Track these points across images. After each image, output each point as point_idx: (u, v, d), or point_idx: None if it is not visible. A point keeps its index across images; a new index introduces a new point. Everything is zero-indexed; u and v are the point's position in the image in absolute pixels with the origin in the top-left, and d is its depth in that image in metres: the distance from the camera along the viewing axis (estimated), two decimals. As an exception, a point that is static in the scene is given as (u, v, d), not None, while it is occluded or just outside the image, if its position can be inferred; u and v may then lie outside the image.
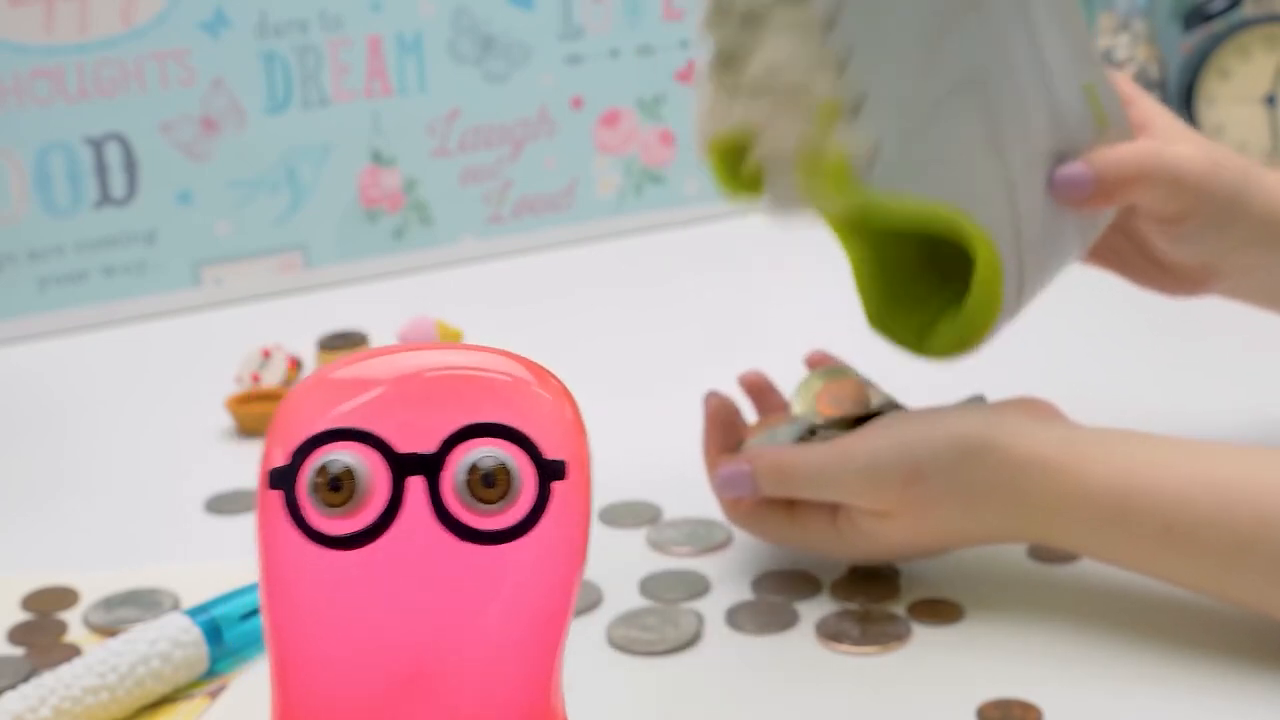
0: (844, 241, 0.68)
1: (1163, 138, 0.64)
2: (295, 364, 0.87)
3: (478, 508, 0.40)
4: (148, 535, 0.70)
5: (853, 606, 0.61)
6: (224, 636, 0.57)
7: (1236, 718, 0.53)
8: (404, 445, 0.40)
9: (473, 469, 0.40)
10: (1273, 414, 0.77)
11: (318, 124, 1.02)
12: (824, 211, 0.65)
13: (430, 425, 0.41)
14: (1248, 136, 1.14)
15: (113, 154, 0.97)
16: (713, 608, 0.62)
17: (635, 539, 0.67)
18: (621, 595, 0.63)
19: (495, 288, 1.03)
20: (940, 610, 0.60)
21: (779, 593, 0.62)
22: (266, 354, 0.86)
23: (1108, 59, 1.17)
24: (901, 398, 0.66)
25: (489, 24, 1.06)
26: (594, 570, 0.65)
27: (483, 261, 1.08)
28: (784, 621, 0.60)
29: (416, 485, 0.40)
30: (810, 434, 0.65)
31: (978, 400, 0.65)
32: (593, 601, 0.62)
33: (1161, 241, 0.66)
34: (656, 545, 0.67)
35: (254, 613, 0.58)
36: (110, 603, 0.62)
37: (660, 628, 0.60)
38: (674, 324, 0.94)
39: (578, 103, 1.09)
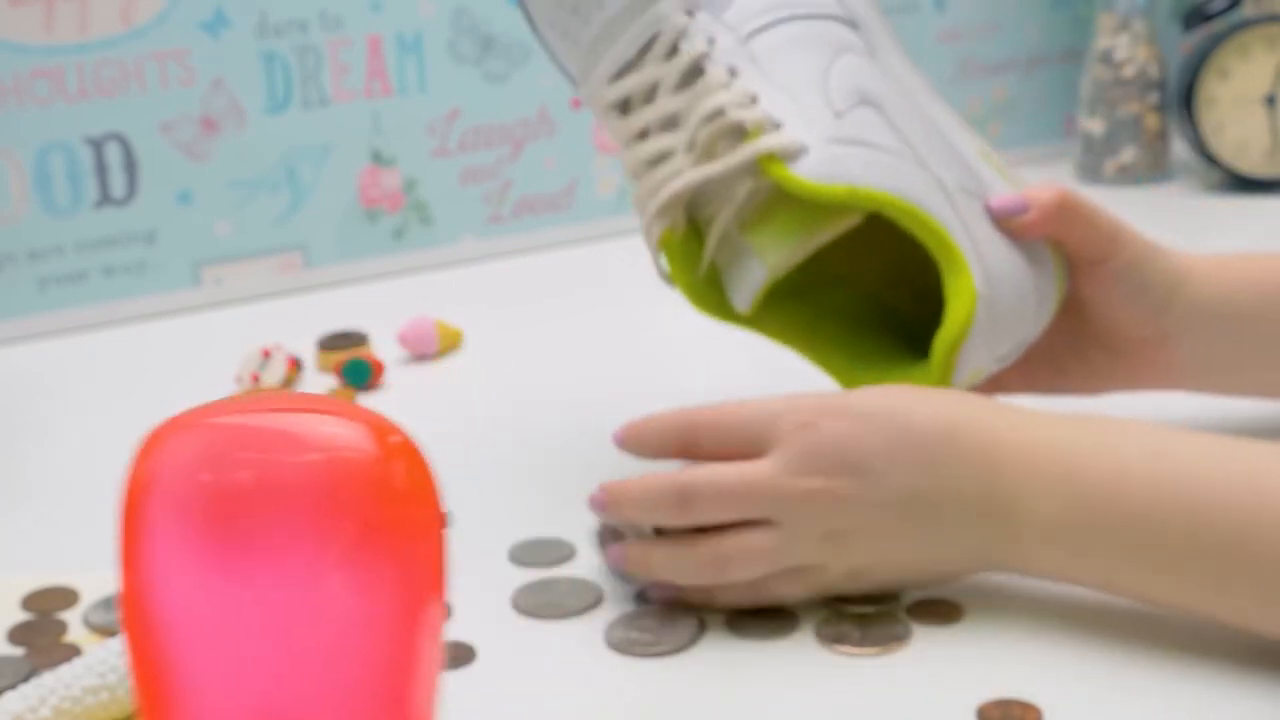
0: (793, 343, 0.72)
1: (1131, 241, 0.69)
2: (295, 364, 0.87)
3: None
4: (148, 535, 0.70)
5: (854, 609, 0.61)
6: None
7: (1237, 717, 0.53)
8: None
9: None
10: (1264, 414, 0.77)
11: (318, 124, 1.02)
12: (775, 265, 0.68)
13: None
14: (1248, 136, 1.14)
15: (113, 154, 0.97)
16: (714, 610, 0.62)
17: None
18: (620, 597, 0.63)
19: (495, 288, 1.03)
20: (940, 611, 0.60)
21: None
22: (266, 354, 0.86)
23: (1108, 59, 1.17)
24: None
25: (489, 24, 1.06)
26: (593, 571, 0.65)
27: (483, 261, 1.08)
28: (785, 623, 0.60)
29: None
30: None
31: None
32: (592, 602, 0.62)
33: (1100, 292, 0.68)
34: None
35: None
36: (110, 603, 0.62)
37: (658, 630, 0.60)
38: (674, 323, 0.94)
39: (578, 103, 1.09)
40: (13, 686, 0.57)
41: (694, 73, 0.66)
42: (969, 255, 0.65)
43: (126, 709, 0.54)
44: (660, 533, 0.61)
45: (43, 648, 0.59)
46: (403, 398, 0.84)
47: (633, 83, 0.67)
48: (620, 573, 0.61)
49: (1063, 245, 0.68)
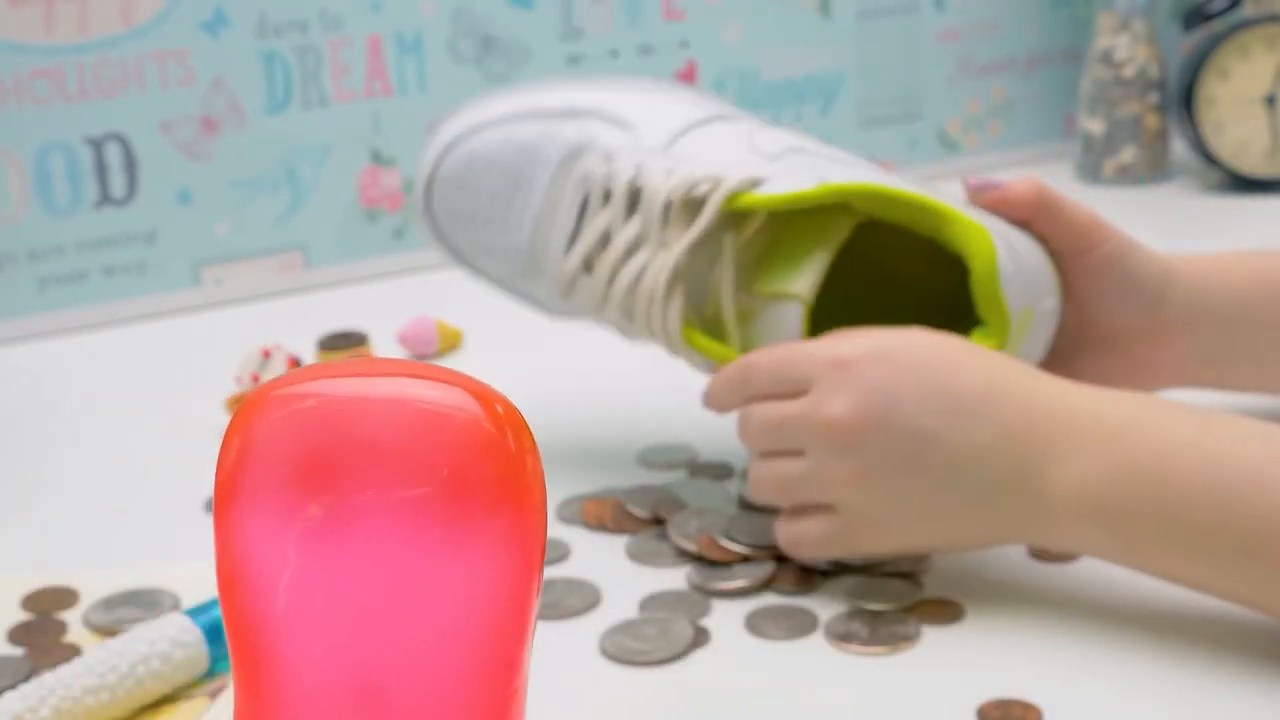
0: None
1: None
2: (295, 364, 0.87)
3: None
4: (148, 535, 0.70)
5: (862, 606, 0.61)
6: (224, 636, 0.57)
7: (1237, 717, 0.53)
8: None
9: None
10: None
11: (318, 124, 1.02)
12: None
13: None
14: (1248, 136, 1.14)
15: (113, 154, 0.97)
16: (721, 610, 0.62)
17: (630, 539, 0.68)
18: (619, 597, 0.63)
19: (495, 288, 1.03)
20: (941, 610, 0.60)
21: (789, 593, 0.62)
22: (266, 354, 0.86)
23: (1108, 59, 1.17)
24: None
25: (489, 24, 1.06)
26: (592, 572, 0.65)
27: (483, 261, 1.08)
28: (789, 624, 0.60)
29: None
30: None
31: None
32: (592, 602, 0.62)
33: (1090, 284, 0.69)
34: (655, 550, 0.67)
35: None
36: (110, 603, 0.62)
37: (655, 637, 0.60)
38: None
39: (578, 103, 1.09)
40: (13, 686, 0.57)
41: (634, 195, 0.69)
42: (967, 213, 0.66)
43: (127, 709, 0.54)
44: None
45: (43, 647, 0.59)
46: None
47: (586, 241, 0.69)
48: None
49: (1045, 240, 0.69)
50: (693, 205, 0.67)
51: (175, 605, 0.62)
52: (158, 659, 0.55)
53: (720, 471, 0.73)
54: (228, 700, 0.56)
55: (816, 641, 0.59)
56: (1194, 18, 1.15)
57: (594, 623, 0.61)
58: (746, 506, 0.69)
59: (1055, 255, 0.69)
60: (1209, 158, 1.15)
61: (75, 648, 0.59)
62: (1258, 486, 0.54)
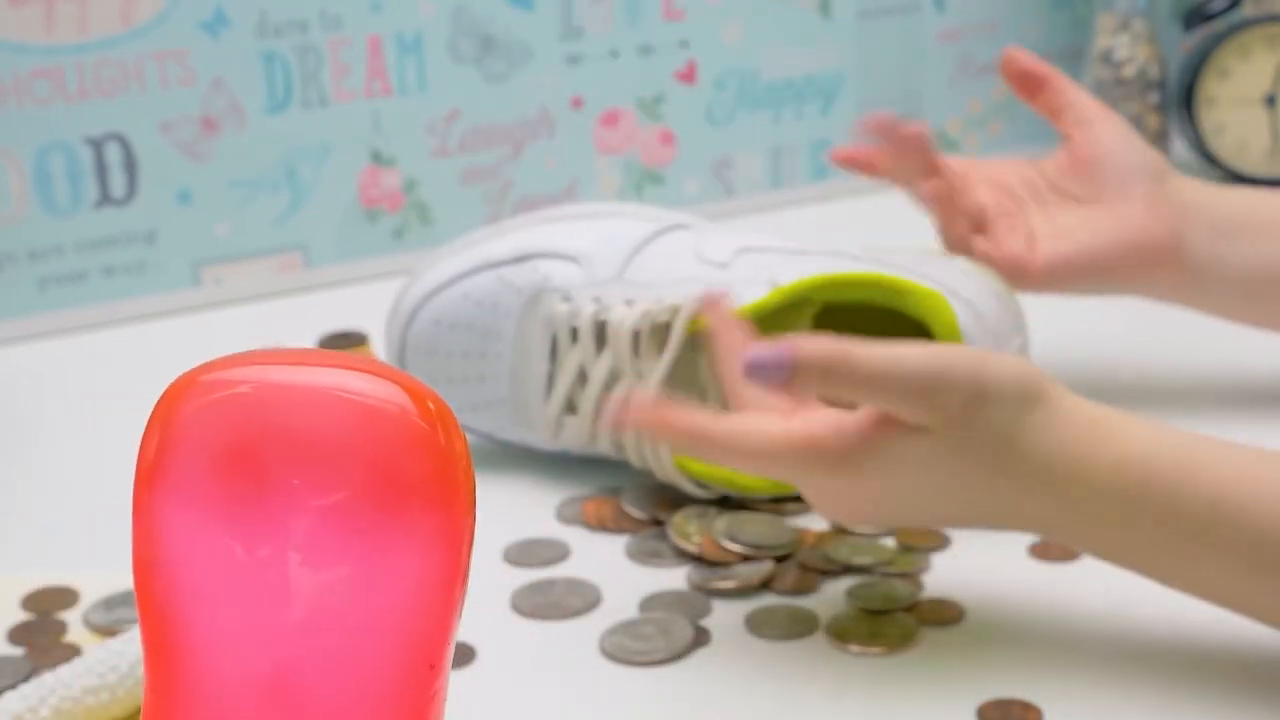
0: None
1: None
2: (295, 364, 0.87)
3: None
4: (148, 535, 0.70)
5: (862, 606, 0.61)
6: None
7: (1237, 718, 0.53)
8: None
9: None
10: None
11: (318, 124, 1.02)
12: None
13: None
14: (1248, 136, 1.14)
15: (113, 154, 0.97)
16: (721, 610, 0.62)
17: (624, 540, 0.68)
18: (619, 597, 0.63)
19: (495, 288, 1.03)
20: (941, 610, 0.60)
21: (791, 594, 0.62)
22: (266, 354, 0.86)
23: (1108, 59, 1.17)
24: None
25: (489, 24, 1.06)
26: (592, 572, 0.65)
27: (483, 261, 1.08)
28: (790, 625, 0.60)
29: None
30: None
31: None
32: (592, 602, 0.62)
33: (1099, 140, 0.76)
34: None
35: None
36: (110, 603, 0.62)
37: (662, 626, 0.60)
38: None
39: (578, 103, 1.09)
40: (13, 686, 0.57)
41: (600, 330, 0.70)
42: (912, 277, 0.68)
43: (126, 709, 0.54)
44: None
45: (43, 647, 0.59)
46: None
47: (564, 381, 0.71)
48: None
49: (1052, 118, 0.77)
50: (660, 332, 0.69)
51: (175, 605, 0.62)
52: (158, 659, 0.55)
53: (720, 471, 0.73)
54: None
55: (816, 641, 0.59)
56: (1194, 18, 1.15)
57: (594, 623, 0.61)
58: (746, 506, 0.69)
59: (1060, 129, 0.76)
60: (1209, 158, 1.15)
61: (75, 648, 0.59)
62: (1220, 480, 0.54)
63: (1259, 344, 0.85)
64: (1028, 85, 0.78)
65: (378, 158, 1.05)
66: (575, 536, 0.68)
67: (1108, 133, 0.76)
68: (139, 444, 0.41)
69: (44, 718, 0.52)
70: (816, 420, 0.57)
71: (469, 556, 0.42)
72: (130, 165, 0.98)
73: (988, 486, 0.56)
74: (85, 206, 0.97)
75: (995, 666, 0.57)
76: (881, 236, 1.09)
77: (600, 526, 0.69)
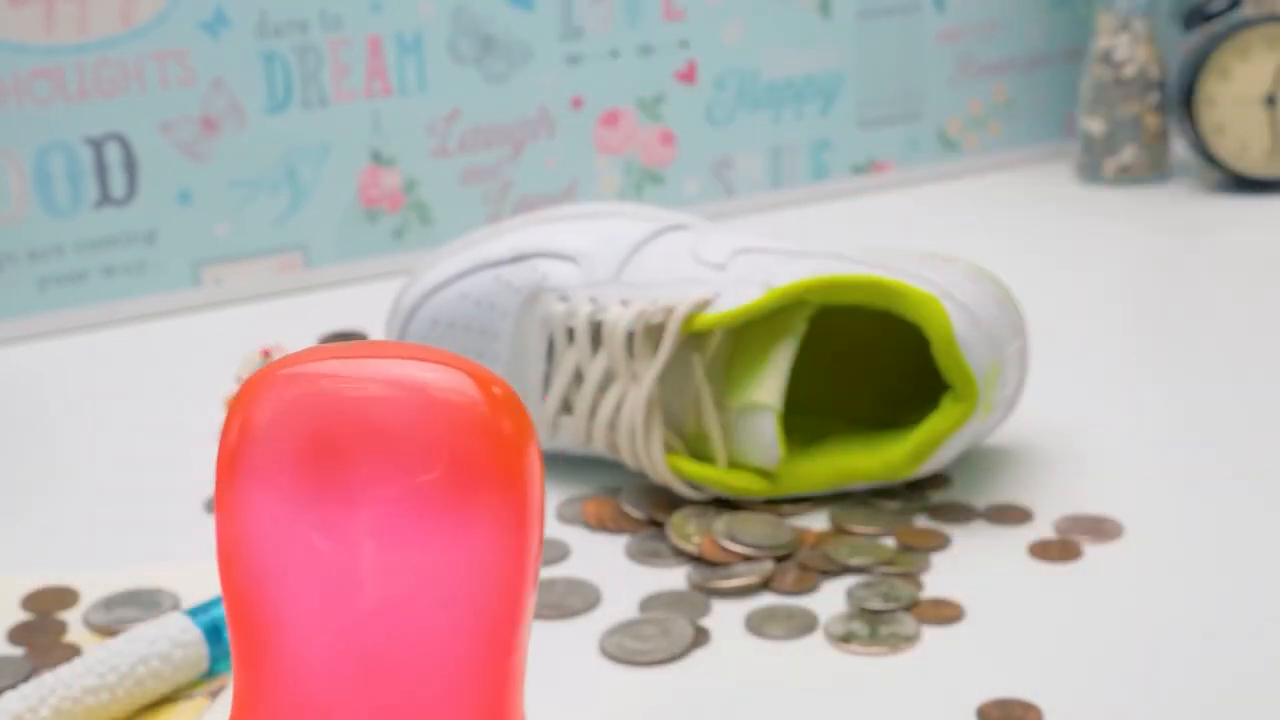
0: (833, 470, 0.71)
1: None
2: (295, 364, 0.87)
3: None
4: (148, 535, 0.70)
5: (862, 606, 0.61)
6: (224, 636, 0.57)
7: (1237, 718, 0.53)
8: None
9: None
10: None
11: (318, 124, 1.02)
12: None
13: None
14: (1248, 136, 1.14)
15: (113, 154, 0.97)
16: (721, 610, 0.62)
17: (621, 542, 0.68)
18: (619, 597, 0.63)
19: (495, 288, 1.03)
20: (941, 610, 0.60)
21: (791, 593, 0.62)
22: (266, 354, 0.86)
23: (1108, 59, 1.17)
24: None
25: (489, 24, 1.06)
26: (592, 572, 0.65)
27: (483, 261, 1.08)
28: (799, 623, 0.60)
29: None
30: None
31: None
32: (593, 602, 0.62)
33: None
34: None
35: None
36: (110, 603, 0.62)
37: (662, 626, 0.60)
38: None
39: (578, 103, 1.09)
40: (13, 686, 0.57)
41: (596, 330, 0.70)
42: (908, 280, 0.68)
43: (127, 709, 0.54)
44: None
45: (43, 647, 0.59)
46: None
47: (560, 381, 0.71)
48: None
49: None
50: (654, 333, 0.69)
51: (175, 605, 0.62)
52: (157, 659, 0.55)
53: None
54: (228, 700, 0.56)
55: (816, 641, 0.59)
56: (1194, 18, 1.15)
57: (594, 623, 0.61)
58: (744, 507, 0.69)
59: None
60: (1209, 158, 1.15)
61: (75, 648, 0.59)
62: None
63: (1260, 348, 0.85)
64: None
65: (378, 158, 1.05)
66: (575, 536, 0.68)
67: None
68: (219, 436, 0.43)
69: (44, 718, 0.52)
70: None
71: (540, 537, 0.43)
72: (130, 165, 0.98)
73: None
74: (85, 206, 0.97)
75: (995, 666, 0.57)
76: (882, 237, 1.09)
77: (600, 526, 0.69)
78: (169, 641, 0.56)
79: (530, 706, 0.56)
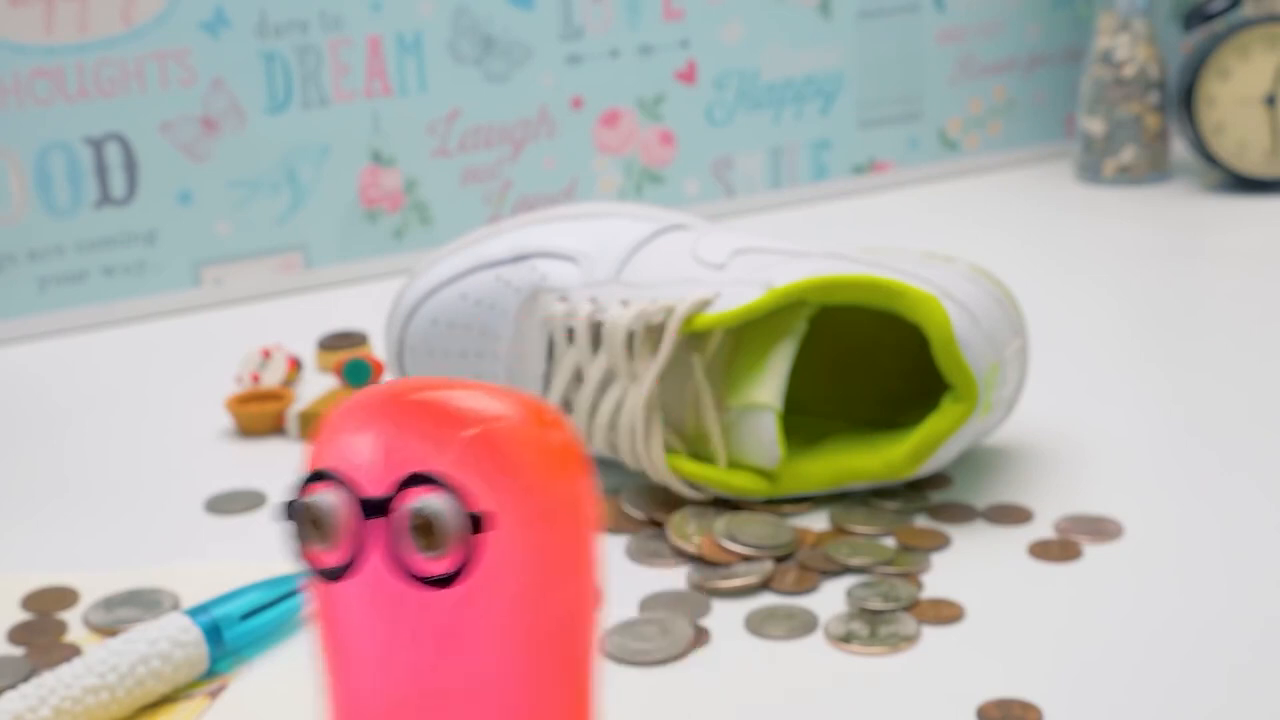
0: (834, 470, 0.71)
1: None
2: (295, 364, 0.87)
3: (423, 553, 0.42)
4: (147, 535, 0.70)
5: (862, 606, 0.61)
6: (224, 636, 0.57)
7: (1237, 718, 0.53)
8: (370, 488, 0.42)
9: (413, 515, 0.41)
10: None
11: (318, 124, 1.02)
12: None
13: (390, 469, 0.42)
14: (1248, 136, 1.14)
15: (113, 154, 0.97)
16: (721, 610, 0.62)
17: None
18: (619, 597, 0.63)
19: (495, 288, 1.03)
20: (941, 610, 0.60)
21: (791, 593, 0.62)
22: (266, 354, 0.86)
23: (1108, 59, 1.17)
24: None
25: (489, 24, 1.06)
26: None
27: (483, 261, 1.08)
28: (799, 623, 0.60)
29: (378, 527, 0.42)
30: None
31: None
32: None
33: None
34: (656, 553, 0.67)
35: (254, 613, 0.58)
36: (110, 603, 0.62)
37: (662, 626, 0.60)
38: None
39: (578, 103, 1.09)
40: (13, 686, 0.57)
41: (596, 330, 0.70)
42: (908, 280, 0.68)
43: (127, 709, 0.54)
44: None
45: (43, 647, 0.59)
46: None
47: (559, 381, 0.70)
48: None
49: None
50: (654, 333, 0.69)
51: (175, 605, 0.62)
52: (158, 659, 0.55)
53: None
54: (228, 700, 0.56)
55: (816, 641, 0.59)
56: (1194, 18, 1.15)
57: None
58: (744, 507, 0.69)
59: None
60: (1209, 158, 1.15)
61: (75, 648, 0.59)
62: None
63: (1260, 348, 0.85)
64: None
65: (378, 158, 1.05)
66: (575, 536, 0.68)
67: None
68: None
69: (44, 717, 0.52)
70: None
71: (594, 558, 0.44)
72: (130, 165, 0.98)
73: None
74: (85, 206, 0.97)
75: (995, 666, 0.57)
76: (882, 237, 1.09)
77: (600, 527, 0.69)
78: (169, 641, 0.56)
79: (530, 706, 0.56)
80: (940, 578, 0.63)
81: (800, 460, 0.69)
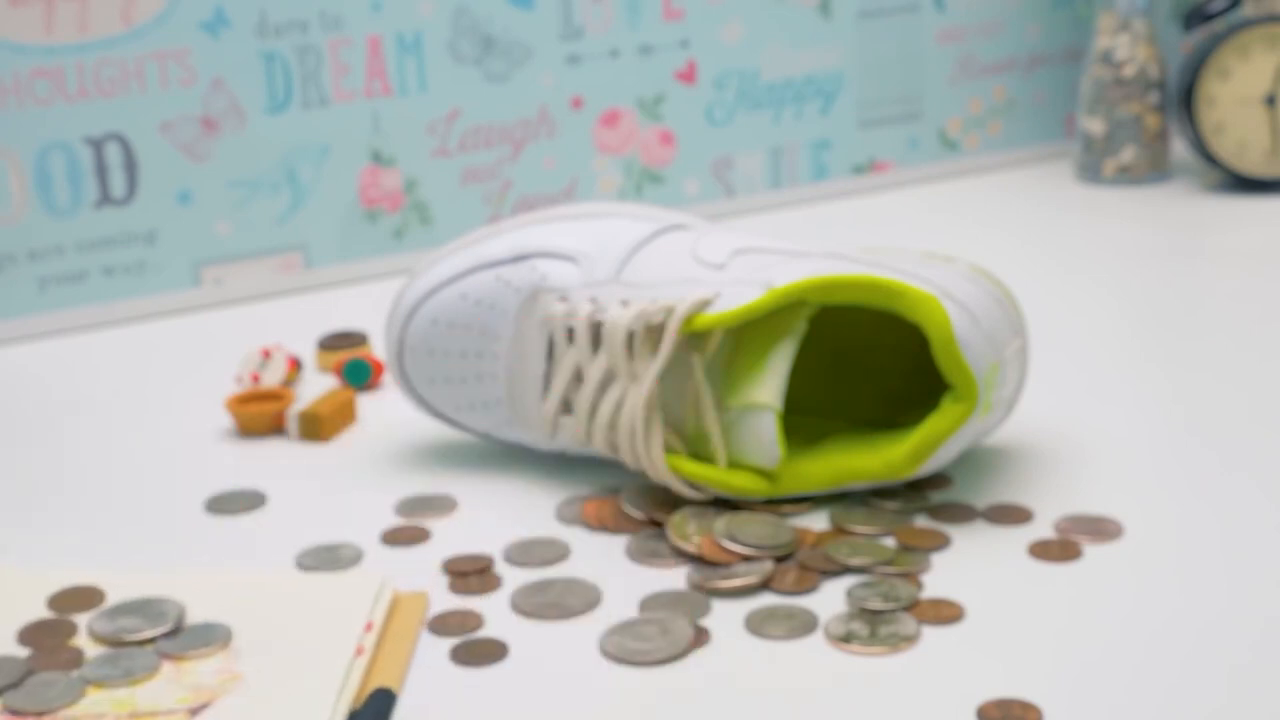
0: (834, 471, 0.71)
1: None
2: (295, 364, 0.87)
3: None
4: (147, 536, 0.70)
5: (862, 606, 0.61)
6: None
7: (1237, 717, 0.53)
8: None
9: None
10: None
11: (318, 124, 1.02)
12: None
13: None
14: (1248, 136, 1.14)
15: (113, 154, 0.97)
16: (721, 610, 0.62)
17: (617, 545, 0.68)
18: (619, 597, 0.63)
19: (495, 288, 1.03)
20: (941, 610, 0.60)
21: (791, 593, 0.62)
22: (266, 354, 0.86)
23: (1108, 59, 1.17)
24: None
25: (489, 24, 1.06)
26: (592, 572, 0.65)
27: (483, 261, 1.08)
28: (799, 623, 0.60)
29: None
30: None
31: None
32: (592, 602, 0.62)
33: None
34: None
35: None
36: (115, 612, 0.62)
37: (662, 626, 0.60)
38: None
39: (578, 103, 1.09)
40: (13, 686, 0.57)
41: (596, 330, 0.70)
42: (908, 280, 0.68)
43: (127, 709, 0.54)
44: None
45: (48, 649, 0.59)
46: (402, 397, 0.84)
47: (560, 380, 0.71)
48: None
49: None
50: (654, 333, 0.69)
51: (180, 616, 0.61)
52: None
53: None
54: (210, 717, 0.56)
55: (816, 641, 0.59)
56: (1194, 18, 1.15)
57: (594, 623, 0.61)
58: (744, 507, 0.69)
59: None
60: (1209, 158, 1.15)
61: (79, 651, 0.59)
62: None
63: (1260, 348, 0.85)
64: None
65: (378, 158, 1.05)
66: (575, 536, 0.68)
67: None
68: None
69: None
70: None
71: None
72: (130, 165, 0.98)
73: None
74: (85, 206, 0.97)
75: (995, 666, 0.57)
76: (882, 237, 1.09)
77: (600, 526, 0.69)
78: None
79: (530, 706, 0.56)
80: (940, 578, 0.63)
81: (800, 460, 0.69)
